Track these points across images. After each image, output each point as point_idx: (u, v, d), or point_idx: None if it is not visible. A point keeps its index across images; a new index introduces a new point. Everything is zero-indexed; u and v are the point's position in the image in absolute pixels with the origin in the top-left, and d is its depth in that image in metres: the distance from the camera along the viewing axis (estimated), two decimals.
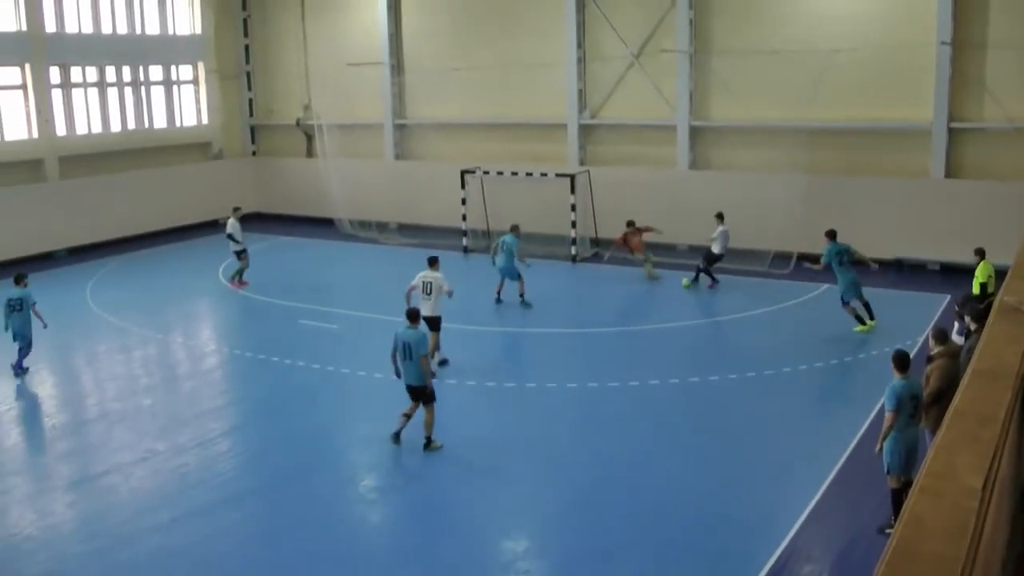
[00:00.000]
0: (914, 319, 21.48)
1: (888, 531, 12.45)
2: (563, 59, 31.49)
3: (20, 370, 20.19)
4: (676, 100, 29.85)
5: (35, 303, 20.22)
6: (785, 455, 15.19)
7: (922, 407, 12.05)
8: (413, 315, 15.83)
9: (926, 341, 19.18)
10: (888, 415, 11.87)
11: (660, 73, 30.08)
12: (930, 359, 12.58)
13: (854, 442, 15.05)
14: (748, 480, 14.27)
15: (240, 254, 27.40)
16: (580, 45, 31.35)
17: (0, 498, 14.49)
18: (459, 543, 12.64)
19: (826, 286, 24.61)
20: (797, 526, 12.60)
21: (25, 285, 20.42)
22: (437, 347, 19.13)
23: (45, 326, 20.30)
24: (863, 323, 20.91)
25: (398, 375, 15.64)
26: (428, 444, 15.60)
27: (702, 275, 25.32)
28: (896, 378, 11.99)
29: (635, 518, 13.11)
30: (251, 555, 12.58)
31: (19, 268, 29.45)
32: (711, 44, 29.26)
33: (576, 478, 14.62)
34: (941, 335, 12.72)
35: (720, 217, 25.09)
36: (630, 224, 26.17)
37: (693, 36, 29.27)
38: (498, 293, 24.07)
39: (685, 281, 25.24)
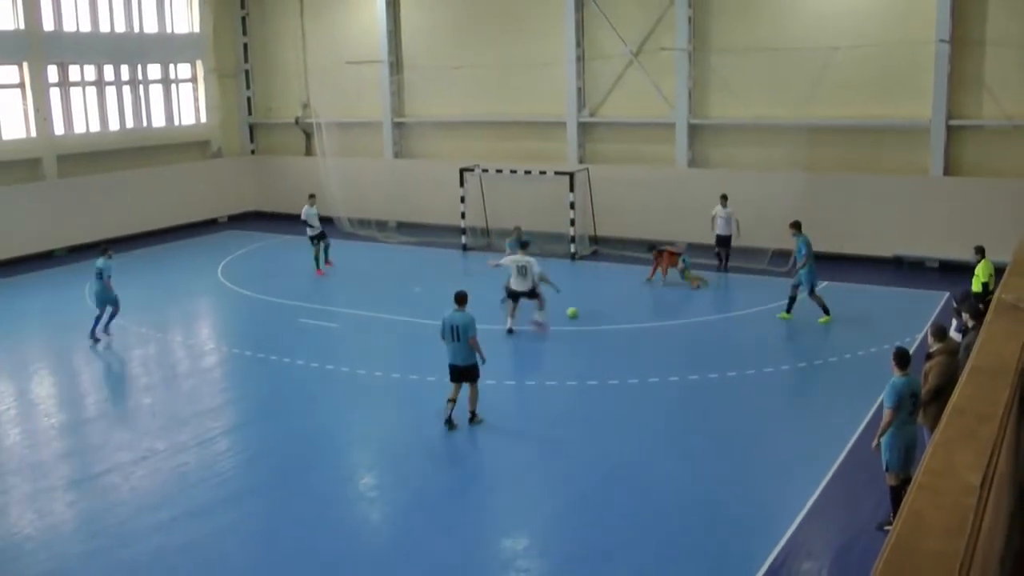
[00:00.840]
0: (913, 316, 21.50)
1: (887, 528, 12.48)
2: (562, 57, 31.48)
3: (94, 338, 22.25)
4: (675, 98, 29.85)
5: (110, 276, 22.10)
6: (784, 453, 15.22)
7: (920, 404, 12.07)
8: (460, 298, 16.37)
9: (925, 338, 19.25)
10: (887, 412, 11.89)
11: (659, 71, 30.08)
12: (929, 356, 12.61)
13: (853, 439, 15.08)
14: (747, 478, 14.29)
15: (316, 239, 28.23)
16: (579, 43, 31.35)
17: (0, 498, 14.50)
18: (459, 542, 12.65)
19: (825, 283, 24.62)
20: (796, 523, 12.62)
21: (109, 256, 22.39)
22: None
23: (113, 299, 22.27)
24: (827, 313, 21.53)
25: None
26: (472, 418, 16.27)
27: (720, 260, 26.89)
28: (896, 375, 12.00)
29: (635, 516, 13.12)
30: (251, 554, 12.59)
31: (19, 267, 29.70)
32: (710, 42, 29.26)
33: (576, 476, 14.63)
34: (940, 332, 12.74)
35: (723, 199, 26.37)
36: (655, 249, 25.85)
37: (692, 34, 29.28)
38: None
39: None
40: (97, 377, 20.68)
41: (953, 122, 26.16)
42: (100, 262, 22.22)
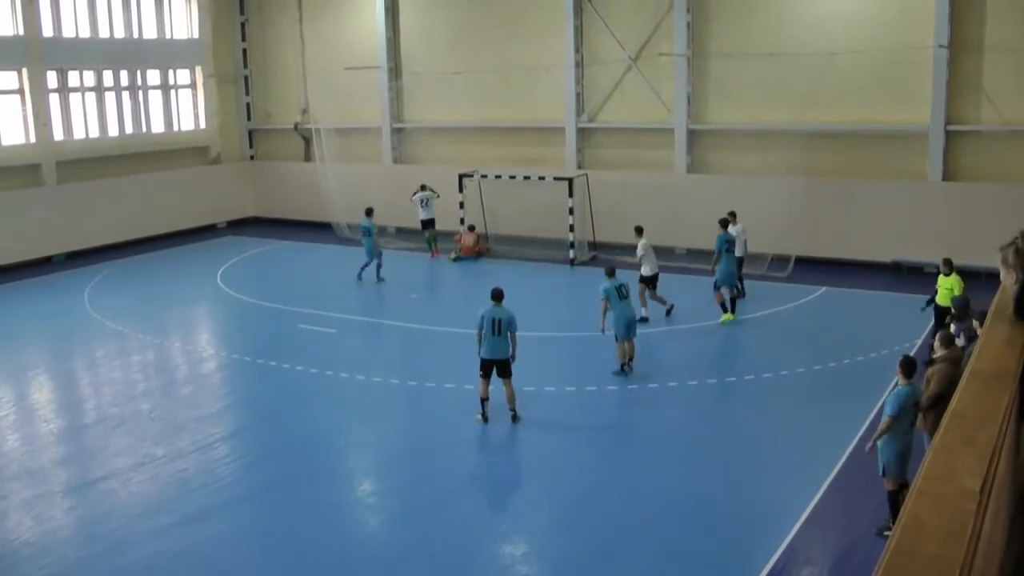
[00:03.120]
0: (911, 322, 21.47)
1: (887, 533, 12.47)
2: (561, 62, 31.50)
3: (360, 279, 27.65)
4: (674, 103, 29.87)
5: (373, 233, 27.58)
6: (784, 458, 15.23)
7: (921, 411, 12.11)
8: (498, 294, 16.89)
9: (924, 344, 19.28)
10: (887, 419, 11.91)
11: (658, 76, 30.11)
12: (932, 362, 12.60)
13: (852, 444, 15.07)
14: (747, 482, 14.29)
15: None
16: (578, 49, 31.37)
17: None
18: (458, 546, 12.62)
19: (824, 288, 24.69)
20: (796, 528, 12.63)
21: (370, 215, 27.81)
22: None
23: (378, 252, 27.56)
24: (730, 312, 22.24)
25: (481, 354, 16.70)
26: (515, 417, 16.65)
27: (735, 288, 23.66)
28: (902, 383, 12.06)
29: (634, 520, 13.13)
30: (250, 560, 12.58)
31: (18, 273, 29.68)
32: (708, 47, 29.28)
33: (575, 481, 14.63)
34: (947, 339, 12.72)
35: (729, 219, 23.49)
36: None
37: (691, 39, 29.30)
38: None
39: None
40: (96, 383, 20.63)
41: (951, 127, 26.16)
42: (365, 221, 27.65)
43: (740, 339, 21.40)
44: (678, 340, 21.07)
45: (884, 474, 12.21)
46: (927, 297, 19.11)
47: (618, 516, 13.30)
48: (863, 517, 12.87)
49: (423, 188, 31.03)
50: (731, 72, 28.86)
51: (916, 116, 26.56)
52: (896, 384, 12.25)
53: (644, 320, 21.59)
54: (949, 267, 18.62)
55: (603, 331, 18.87)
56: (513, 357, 16.57)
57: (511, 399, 16.61)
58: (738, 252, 23.41)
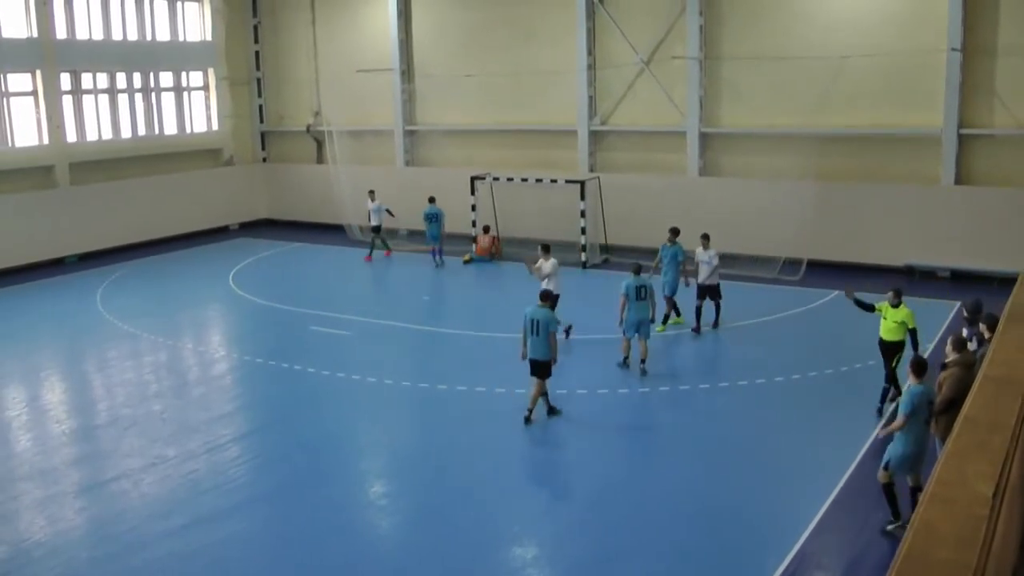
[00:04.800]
0: (924, 326, 21.31)
1: (889, 527, 12.63)
2: (573, 66, 31.49)
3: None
4: (686, 106, 29.84)
5: (439, 219, 29.80)
6: (795, 462, 15.19)
7: (934, 413, 12.14)
8: (544, 295, 17.33)
9: (937, 348, 19.21)
10: (901, 417, 12.00)
11: (670, 80, 30.07)
12: (944, 366, 12.57)
13: (864, 449, 15.03)
14: (758, 487, 14.25)
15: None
16: (590, 52, 31.35)
17: (10, 504, 14.53)
18: (469, 548, 12.62)
19: (836, 292, 24.59)
20: (807, 533, 12.59)
21: (433, 202, 30.04)
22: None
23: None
24: (679, 316, 22.32)
25: (524, 357, 16.93)
26: (552, 411, 17.01)
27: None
28: (913, 383, 12.14)
29: (644, 523, 13.11)
30: (261, 561, 12.59)
31: (30, 274, 29.79)
32: (721, 50, 29.24)
33: (586, 484, 14.64)
34: (959, 343, 12.68)
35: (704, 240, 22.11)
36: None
37: (703, 42, 29.27)
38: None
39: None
40: (108, 384, 20.67)
41: (965, 131, 26.07)
42: (429, 208, 29.79)
43: (752, 343, 21.32)
44: (690, 343, 21.01)
45: (886, 468, 12.36)
46: (862, 300, 17.36)
47: (629, 519, 13.28)
48: (875, 521, 12.82)
49: (373, 199, 31.14)
50: (743, 75, 28.83)
51: (929, 120, 26.49)
52: (908, 385, 12.29)
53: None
54: (899, 297, 16.58)
55: (620, 324, 19.33)
56: (552, 359, 16.67)
57: (532, 398, 16.82)
58: (702, 277, 21.60)
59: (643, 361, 19.08)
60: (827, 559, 12.24)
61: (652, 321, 19.46)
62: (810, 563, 11.95)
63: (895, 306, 16.46)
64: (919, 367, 12.21)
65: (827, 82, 26.96)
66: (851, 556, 12.30)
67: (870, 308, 17.01)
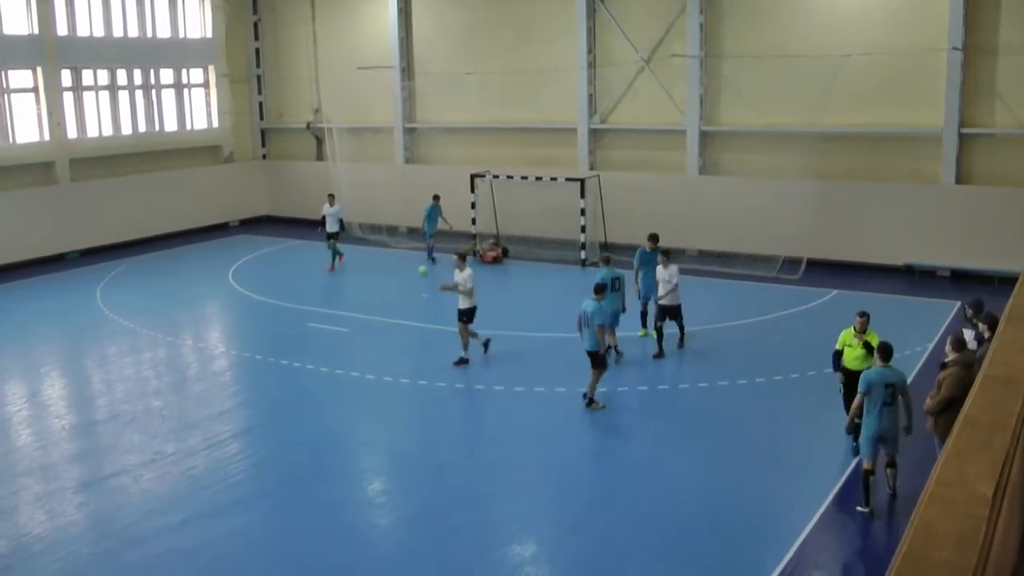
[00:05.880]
0: (923, 326, 21.45)
1: (859, 509, 13.13)
2: (574, 64, 31.49)
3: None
4: (686, 105, 29.83)
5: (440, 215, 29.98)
6: (794, 461, 15.19)
7: (901, 397, 12.87)
8: (598, 288, 17.50)
9: (936, 347, 19.22)
10: (858, 397, 12.87)
11: (670, 78, 30.07)
12: (943, 366, 12.61)
13: (864, 464, 14.94)
14: (757, 486, 14.26)
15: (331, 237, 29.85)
16: (590, 50, 31.34)
17: (10, 499, 14.57)
18: (467, 547, 12.64)
19: (835, 292, 24.62)
20: (806, 532, 12.60)
21: (437, 200, 30.09)
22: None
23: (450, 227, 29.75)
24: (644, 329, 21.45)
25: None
26: (589, 403, 17.14)
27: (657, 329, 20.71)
28: (878, 365, 12.91)
29: (643, 523, 13.12)
30: (260, 557, 12.61)
31: (31, 269, 29.81)
32: (721, 49, 29.23)
33: (585, 483, 14.67)
34: (959, 343, 12.74)
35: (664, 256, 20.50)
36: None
37: (703, 41, 29.26)
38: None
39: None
40: (107, 380, 20.68)
41: (965, 130, 26.07)
42: (430, 207, 29.96)
43: (752, 342, 21.31)
44: (690, 342, 20.95)
45: (856, 453, 13.46)
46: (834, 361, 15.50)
47: (627, 518, 13.30)
48: (874, 522, 12.85)
49: (332, 203, 30.26)
50: (744, 74, 28.82)
51: (929, 119, 26.49)
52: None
53: (464, 361, 20.02)
54: (867, 319, 15.10)
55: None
56: (599, 349, 17.02)
57: (590, 385, 17.22)
58: (660, 295, 20.13)
59: (615, 348, 19.75)
60: (825, 558, 12.27)
61: (624, 311, 20.04)
62: (808, 563, 11.97)
63: (860, 331, 14.96)
64: (885, 351, 12.92)
65: (827, 81, 26.93)
66: (849, 556, 12.33)
67: (838, 356, 15.18)
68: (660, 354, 20.10)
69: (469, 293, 19.68)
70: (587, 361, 17.22)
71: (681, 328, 20.47)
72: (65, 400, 19.51)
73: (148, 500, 14.32)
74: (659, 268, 20.15)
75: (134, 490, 14.68)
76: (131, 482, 14.93)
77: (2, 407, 18.81)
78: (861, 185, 27.30)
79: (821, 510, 13.23)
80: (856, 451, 14.04)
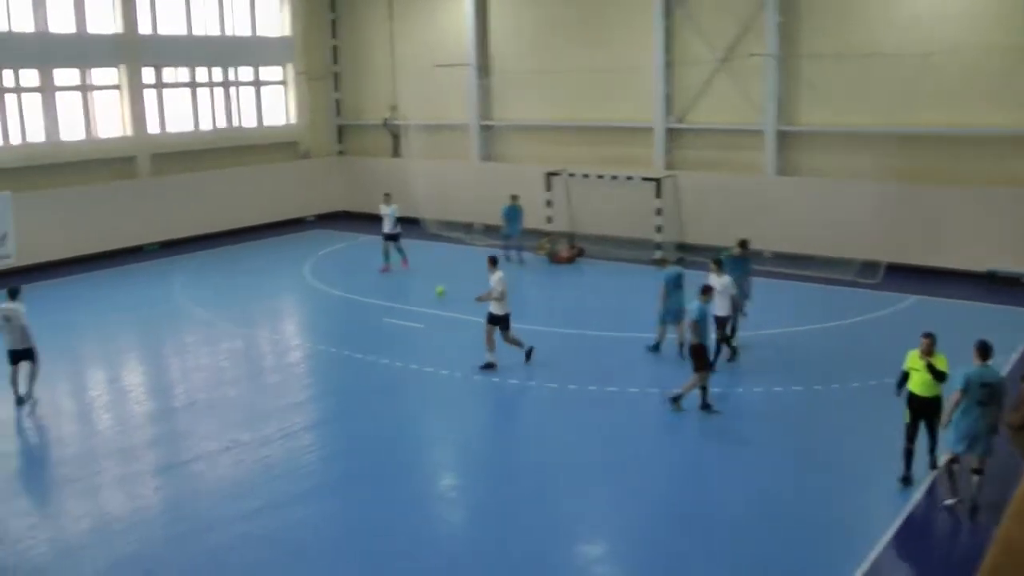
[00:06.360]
0: (1005, 336, 20.83)
1: (947, 503, 13.15)
2: (650, 63, 31.31)
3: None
4: (763, 104, 29.51)
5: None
6: (870, 469, 14.83)
7: (997, 401, 12.75)
8: (703, 290, 17.49)
9: (1019, 359, 18.79)
10: (955, 393, 12.78)
11: (747, 77, 29.75)
12: None
13: (944, 456, 14.59)
14: (832, 493, 14.00)
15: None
16: (667, 49, 31.13)
17: (93, 479, 14.95)
18: (535, 545, 12.59)
19: (914, 297, 24.18)
20: (883, 543, 12.32)
21: (516, 200, 29.78)
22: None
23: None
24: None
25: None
26: (675, 400, 16.98)
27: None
28: (975, 364, 12.80)
29: (711, 528, 13.00)
30: (331, 547, 12.72)
31: (112, 260, 30.39)
32: (800, 47, 28.84)
33: (653, 483, 14.55)
34: None
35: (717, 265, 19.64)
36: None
37: (781, 39, 28.86)
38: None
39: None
40: (184, 368, 21.04)
41: None
42: (508, 207, 29.87)
43: (827, 347, 20.95)
44: (762, 346, 20.70)
45: (946, 446, 13.10)
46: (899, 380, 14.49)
47: (697, 520, 13.20)
48: (959, 532, 12.60)
49: (388, 202, 29.24)
50: (822, 73, 28.34)
51: (1016, 119, 25.79)
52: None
53: (492, 366, 19.54)
54: (933, 340, 13.84)
55: (659, 313, 20.11)
56: (688, 346, 17.13)
57: (685, 386, 17.04)
58: (723, 311, 19.18)
59: (683, 345, 19.34)
60: (903, 572, 12.02)
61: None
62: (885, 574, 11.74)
63: (927, 353, 13.72)
64: (983, 349, 12.83)
65: (910, 80, 26.44)
66: (925, 570, 12.08)
67: (904, 376, 14.13)
68: (731, 357, 19.58)
69: (501, 296, 19.34)
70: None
71: (728, 342, 19.51)
72: (144, 387, 19.87)
73: (223, 486, 14.56)
74: (712, 276, 19.14)
75: (210, 476, 14.92)
76: (207, 468, 15.17)
77: (84, 392, 19.25)
78: (943, 188, 26.69)
79: (901, 519, 12.93)
80: (908, 481, 13.62)
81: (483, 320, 19.73)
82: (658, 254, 28.35)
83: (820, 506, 13.55)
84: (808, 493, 13.98)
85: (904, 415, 13.99)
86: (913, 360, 13.87)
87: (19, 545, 12.81)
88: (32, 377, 17.96)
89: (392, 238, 28.92)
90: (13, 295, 18.24)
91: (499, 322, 19.44)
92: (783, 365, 19.65)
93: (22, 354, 17.89)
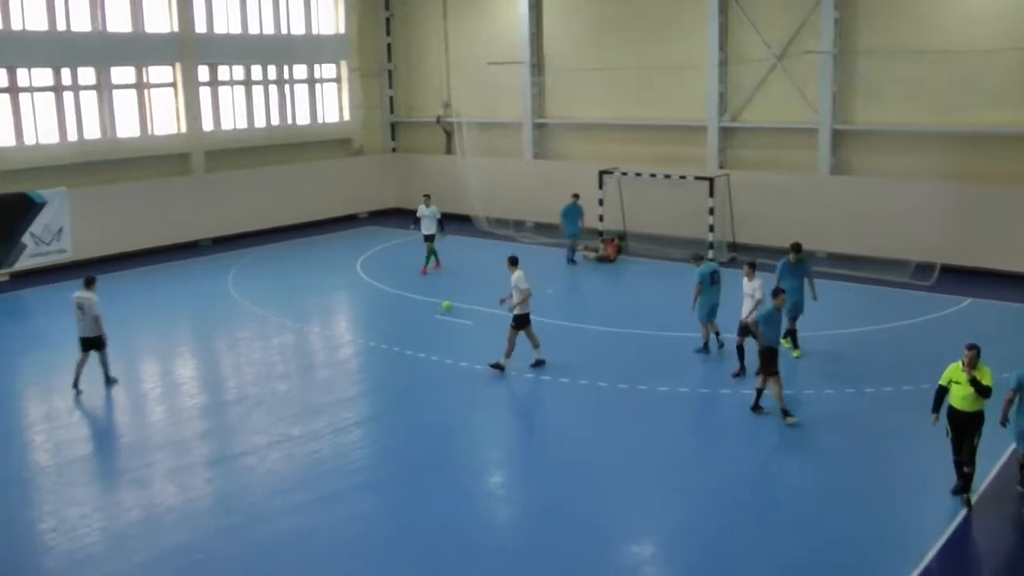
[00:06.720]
0: None
1: (1020, 488, 13.24)
2: (704, 61, 31.08)
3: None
4: (819, 103, 29.16)
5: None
6: (922, 474, 14.52)
7: None
8: (777, 292, 17.11)
9: None
10: (1008, 392, 13.03)
11: (803, 75, 29.42)
12: None
13: (997, 467, 14.33)
14: (882, 498, 13.79)
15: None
16: (722, 47, 30.87)
17: (145, 470, 15.16)
18: (586, 543, 12.53)
19: (970, 300, 23.80)
20: (933, 551, 12.07)
21: (576, 199, 29.42)
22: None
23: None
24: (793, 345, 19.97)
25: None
26: (785, 414, 16.36)
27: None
28: None
29: (759, 530, 12.86)
30: (380, 543, 12.76)
31: (165, 255, 30.74)
32: (857, 44, 28.44)
33: (700, 486, 14.38)
34: None
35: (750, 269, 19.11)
36: None
37: (838, 36, 28.50)
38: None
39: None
40: (236, 363, 21.21)
41: None
42: (568, 206, 29.44)
43: (881, 349, 20.62)
44: (813, 347, 20.40)
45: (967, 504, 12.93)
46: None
47: (742, 524, 13.05)
48: (1010, 537, 12.37)
49: (428, 203, 28.93)
50: (880, 70, 27.91)
51: None
52: None
53: (541, 363, 19.63)
54: (978, 352, 13.14)
55: (692, 309, 20.07)
56: (761, 348, 16.54)
57: (776, 397, 16.48)
58: (743, 313, 18.70)
59: (718, 339, 20.04)
60: None
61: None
62: None
63: (970, 366, 13.05)
64: None
65: (969, 78, 25.93)
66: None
67: (942, 393, 13.47)
68: (741, 372, 18.64)
69: (524, 296, 19.27)
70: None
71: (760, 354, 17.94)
72: (196, 380, 20.06)
73: (273, 480, 14.64)
74: (745, 281, 18.73)
75: (260, 470, 15.01)
76: (257, 462, 15.28)
77: (138, 385, 19.45)
78: (1001, 188, 26.20)
79: (952, 527, 12.66)
80: (968, 502, 13.11)
81: (538, 319, 19.70)
82: (712, 252, 28.20)
83: (872, 510, 13.33)
84: (859, 496, 13.77)
85: (946, 430, 13.41)
86: (955, 372, 13.19)
87: (73, 533, 12.99)
88: (104, 364, 18.87)
89: (429, 239, 28.77)
90: (88, 284, 18.94)
91: (517, 321, 19.35)
92: (836, 368, 19.39)
93: (92, 342, 18.69)
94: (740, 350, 18.76)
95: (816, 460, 15.18)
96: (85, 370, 18.73)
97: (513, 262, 19.74)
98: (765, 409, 16.63)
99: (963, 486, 13.18)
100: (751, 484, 14.35)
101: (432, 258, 28.84)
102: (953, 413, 13.17)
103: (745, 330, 18.44)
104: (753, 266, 18.93)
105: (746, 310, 18.51)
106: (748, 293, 18.55)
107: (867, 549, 12.24)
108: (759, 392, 16.71)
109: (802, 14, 29.09)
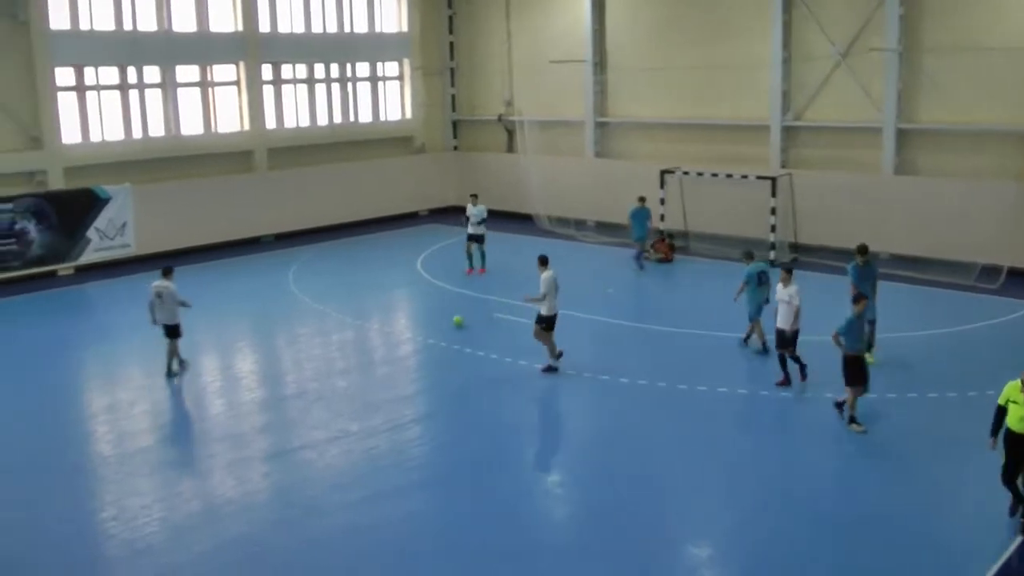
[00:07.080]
0: None
1: None
2: (766, 59, 30.79)
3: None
4: (883, 101, 28.75)
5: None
6: (986, 486, 13.79)
7: None
8: (857, 298, 16.43)
9: None
10: None
11: (867, 73, 29.01)
12: None
13: None
14: (944, 508, 13.54)
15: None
16: (786, 45, 30.57)
17: (204, 462, 15.47)
18: (643, 543, 12.51)
19: None
20: (999, 564, 11.80)
21: (643, 202, 28.92)
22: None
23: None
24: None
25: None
26: (852, 422, 16.01)
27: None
28: None
29: (819, 534, 12.73)
30: (435, 540, 12.81)
31: (229, 251, 31.12)
32: (922, 41, 27.98)
33: (760, 485, 14.31)
34: None
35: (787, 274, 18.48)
36: None
37: (903, 33, 28.04)
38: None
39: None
40: (296, 358, 21.42)
41: None
42: (635, 208, 28.82)
43: (945, 354, 20.29)
44: (881, 350, 20.09)
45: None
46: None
47: (802, 527, 12.95)
48: None
49: (475, 202, 28.56)
50: (946, 68, 27.42)
51: None
52: None
53: (553, 369, 19.43)
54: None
55: (735, 300, 20.45)
56: (857, 352, 16.15)
57: (849, 403, 16.13)
58: (780, 320, 18.04)
59: (762, 341, 20.11)
60: None
61: (767, 302, 19.75)
62: None
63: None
64: None
65: None
66: None
67: (1001, 414, 12.72)
68: (785, 381, 18.05)
69: (544, 297, 19.20)
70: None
71: (797, 361, 18.06)
72: (256, 375, 20.33)
73: (331, 475, 14.78)
74: (779, 287, 18.20)
75: (318, 464, 15.15)
76: (315, 456, 15.41)
77: (199, 378, 19.70)
78: None
79: (1018, 542, 12.34)
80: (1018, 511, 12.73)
81: (597, 318, 19.67)
82: (771, 254, 27.96)
83: (931, 519, 13.13)
84: (918, 505, 13.51)
85: (999, 453, 12.69)
86: (1013, 392, 12.49)
87: (134, 523, 13.22)
88: (171, 353, 19.48)
89: (477, 239, 28.51)
90: (166, 274, 19.52)
91: (543, 322, 19.27)
92: (898, 372, 19.02)
93: (171, 330, 19.32)
94: (782, 359, 18.20)
95: (875, 465, 14.96)
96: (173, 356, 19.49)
97: (543, 261, 19.78)
98: (863, 426, 15.97)
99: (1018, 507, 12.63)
100: (807, 487, 14.17)
101: (480, 260, 28.56)
102: (1010, 435, 12.45)
103: (784, 340, 18.03)
104: (790, 272, 18.34)
105: (781, 316, 17.97)
106: (784, 300, 17.97)
107: (925, 560, 12.04)
108: (846, 404, 16.24)
109: (867, 11, 28.69)
